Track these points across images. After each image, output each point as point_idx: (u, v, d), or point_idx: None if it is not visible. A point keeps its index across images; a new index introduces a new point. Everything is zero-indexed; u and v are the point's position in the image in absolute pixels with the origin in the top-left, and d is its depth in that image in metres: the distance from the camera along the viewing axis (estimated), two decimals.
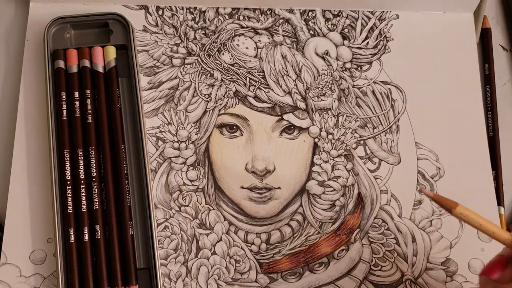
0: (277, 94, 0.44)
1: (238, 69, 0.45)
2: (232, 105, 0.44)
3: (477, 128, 0.45)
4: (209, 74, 0.44)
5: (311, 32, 0.46)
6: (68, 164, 0.39)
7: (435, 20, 0.48)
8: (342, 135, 0.44)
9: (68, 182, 0.39)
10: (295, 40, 0.46)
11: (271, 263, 0.40)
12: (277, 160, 0.42)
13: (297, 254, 0.40)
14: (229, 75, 0.44)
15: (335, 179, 0.43)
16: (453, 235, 0.42)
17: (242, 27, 0.46)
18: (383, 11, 0.48)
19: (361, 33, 0.47)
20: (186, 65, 0.44)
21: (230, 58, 0.45)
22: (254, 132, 0.43)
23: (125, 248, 0.38)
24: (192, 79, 0.44)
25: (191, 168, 0.42)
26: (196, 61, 0.45)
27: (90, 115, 0.40)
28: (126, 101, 0.42)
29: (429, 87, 0.46)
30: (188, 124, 0.43)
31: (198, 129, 0.43)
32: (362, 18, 0.47)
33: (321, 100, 0.44)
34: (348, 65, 0.46)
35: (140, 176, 0.40)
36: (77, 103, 0.41)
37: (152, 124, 0.43)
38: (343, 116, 0.44)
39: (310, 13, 0.47)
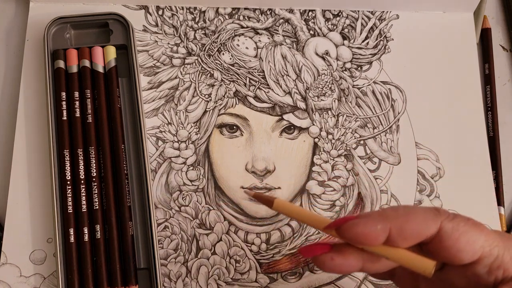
0: (277, 94, 0.44)
1: (238, 69, 0.45)
2: (232, 105, 0.44)
3: (477, 128, 0.45)
4: (209, 74, 0.44)
5: (311, 32, 0.46)
6: (68, 164, 0.39)
7: (435, 20, 0.48)
8: (342, 135, 0.44)
9: (68, 182, 0.39)
10: (295, 40, 0.46)
11: (271, 263, 0.40)
12: (277, 160, 0.42)
13: (297, 254, 0.40)
14: (229, 75, 0.44)
15: (335, 179, 0.43)
16: None
17: (242, 27, 0.46)
18: (383, 11, 0.48)
19: (361, 33, 0.47)
20: (186, 65, 0.44)
21: (230, 58, 0.45)
22: (254, 132, 0.43)
23: (125, 248, 0.38)
24: (192, 79, 0.44)
25: (191, 168, 0.42)
26: (196, 61, 0.45)
27: (90, 115, 0.40)
28: (126, 101, 0.42)
29: (429, 87, 0.46)
30: (188, 124, 0.43)
31: (198, 129, 0.43)
32: (362, 18, 0.47)
33: (321, 100, 0.44)
34: (348, 65, 0.46)
35: (140, 176, 0.40)
36: (77, 103, 0.41)
37: (152, 124, 0.43)
38: (343, 116, 0.44)
39: (310, 13, 0.47)
